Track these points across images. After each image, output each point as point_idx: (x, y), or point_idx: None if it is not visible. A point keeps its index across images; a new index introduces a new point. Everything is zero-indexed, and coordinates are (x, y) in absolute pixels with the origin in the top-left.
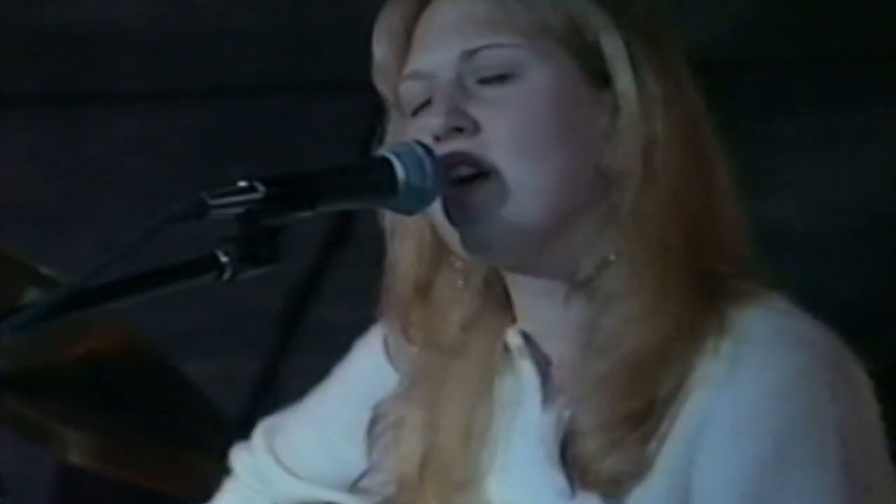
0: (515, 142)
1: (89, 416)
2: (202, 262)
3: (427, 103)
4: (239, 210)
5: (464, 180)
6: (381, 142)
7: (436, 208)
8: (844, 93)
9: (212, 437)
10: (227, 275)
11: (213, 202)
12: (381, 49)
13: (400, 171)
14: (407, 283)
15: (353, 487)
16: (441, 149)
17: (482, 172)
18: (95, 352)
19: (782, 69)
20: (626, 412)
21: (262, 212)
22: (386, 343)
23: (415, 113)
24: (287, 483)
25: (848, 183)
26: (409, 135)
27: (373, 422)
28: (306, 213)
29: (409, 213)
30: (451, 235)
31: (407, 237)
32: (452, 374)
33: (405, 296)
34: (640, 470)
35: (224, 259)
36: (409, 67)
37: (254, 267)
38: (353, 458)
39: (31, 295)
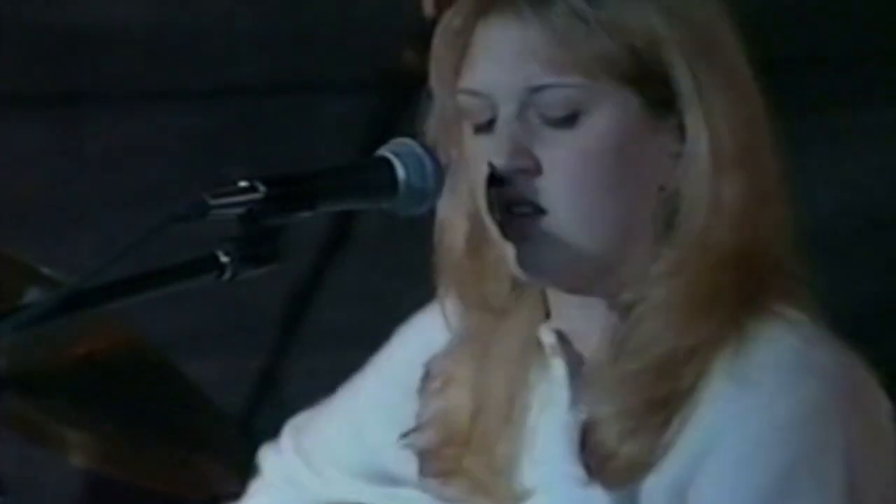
0: (575, 188)
1: (89, 417)
2: (202, 262)
3: (490, 123)
4: (239, 210)
5: (521, 215)
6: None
7: (490, 227)
8: (846, 93)
9: (212, 437)
10: (227, 275)
11: (213, 202)
12: (439, 53)
13: (400, 171)
14: (458, 240)
15: (402, 438)
16: (502, 191)
17: (540, 210)
18: (95, 352)
19: (783, 69)
20: (648, 401)
21: (262, 212)
22: (443, 307)
23: (477, 130)
24: (317, 486)
25: (849, 183)
26: (470, 148)
27: (424, 378)
28: (306, 213)
29: (411, 213)
30: (508, 250)
31: (458, 195)
32: (498, 336)
33: (457, 253)
34: (653, 459)
35: (224, 259)
36: (468, 83)
37: (254, 267)
38: (388, 447)
39: (31, 295)
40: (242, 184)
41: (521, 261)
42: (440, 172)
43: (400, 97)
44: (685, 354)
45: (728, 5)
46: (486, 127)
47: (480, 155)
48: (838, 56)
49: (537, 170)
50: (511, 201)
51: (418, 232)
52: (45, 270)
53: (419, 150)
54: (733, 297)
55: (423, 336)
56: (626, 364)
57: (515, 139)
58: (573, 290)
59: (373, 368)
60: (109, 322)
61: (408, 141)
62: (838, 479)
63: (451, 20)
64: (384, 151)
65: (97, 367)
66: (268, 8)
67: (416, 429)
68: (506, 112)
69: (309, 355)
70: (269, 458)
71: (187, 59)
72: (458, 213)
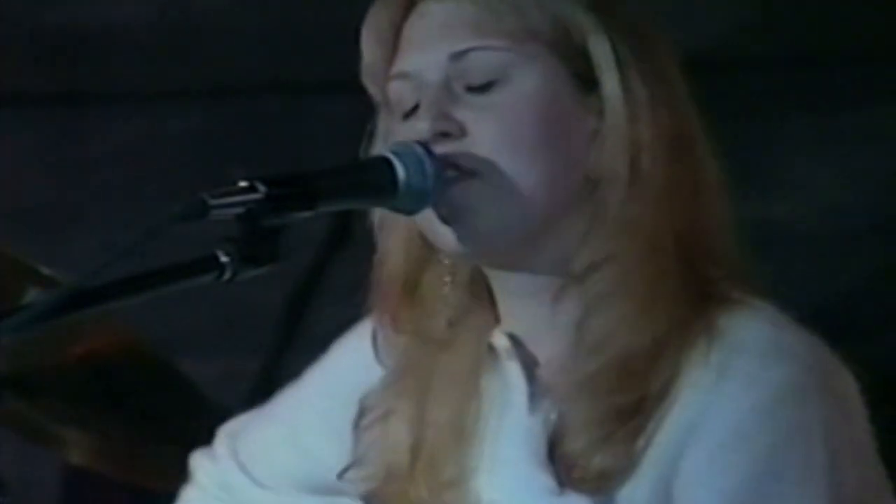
0: (501, 146)
1: (89, 416)
2: (202, 262)
3: (416, 108)
4: (239, 210)
5: (451, 181)
6: (371, 137)
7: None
8: (844, 93)
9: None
10: (227, 275)
11: (213, 202)
12: (369, 49)
13: (400, 171)
14: (395, 278)
15: (340, 478)
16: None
17: (469, 173)
18: (95, 352)
19: (782, 69)
20: (615, 408)
21: (262, 212)
22: (374, 337)
23: (405, 117)
24: (251, 492)
25: (848, 183)
26: (397, 137)
27: (360, 414)
28: (306, 213)
29: (409, 213)
30: (440, 234)
31: (395, 233)
32: (440, 367)
33: (394, 290)
34: (628, 467)
35: (224, 259)
36: (397, 67)
37: (254, 267)
38: (327, 456)
39: (31, 295)
40: (242, 184)
41: (452, 240)
42: (440, 172)
43: None
44: (647, 354)
45: (728, 5)
46: (414, 112)
47: (406, 137)
48: (838, 56)
49: (461, 132)
50: (441, 163)
51: None
52: (45, 270)
53: (419, 149)
54: (679, 288)
55: (365, 348)
56: (585, 365)
57: (438, 106)
58: (507, 265)
59: (312, 377)
60: (109, 322)
61: (408, 141)
62: (820, 457)
63: (378, 14)
64: (384, 151)
65: (97, 367)
66: (267, 8)
67: (354, 464)
68: (431, 84)
69: (309, 355)
70: (203, 463)
71: (187, 58)
72: (395, 249)
